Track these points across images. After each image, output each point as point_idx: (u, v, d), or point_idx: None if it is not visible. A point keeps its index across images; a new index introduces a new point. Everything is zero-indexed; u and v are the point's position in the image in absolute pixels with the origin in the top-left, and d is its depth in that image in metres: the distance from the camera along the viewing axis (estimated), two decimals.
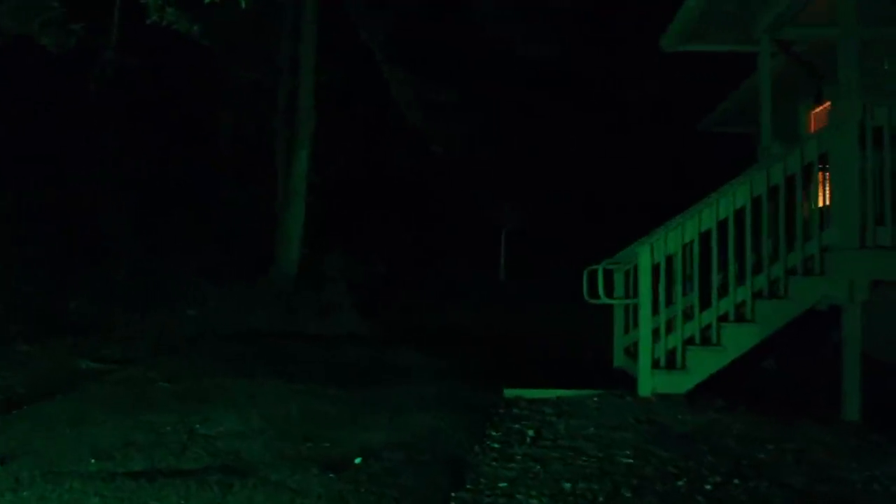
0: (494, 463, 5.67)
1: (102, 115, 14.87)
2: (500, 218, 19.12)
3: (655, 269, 7.57)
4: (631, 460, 5.77)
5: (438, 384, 8.17)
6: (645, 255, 7.51)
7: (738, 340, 7.44)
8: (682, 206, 9.18)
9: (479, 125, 16.87)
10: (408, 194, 17.96)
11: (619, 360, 9.03)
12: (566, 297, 15.94)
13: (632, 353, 8.84)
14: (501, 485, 5.24)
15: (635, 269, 8.66)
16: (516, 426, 6.63)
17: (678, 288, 7.60)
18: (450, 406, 7.20)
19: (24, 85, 13.70)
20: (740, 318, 7.52)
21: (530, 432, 6.43)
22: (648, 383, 7.44)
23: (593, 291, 8.67)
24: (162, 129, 16.01)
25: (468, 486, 5.20)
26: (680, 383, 7.43)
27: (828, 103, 11.25)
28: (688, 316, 7.59)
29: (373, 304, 13.18)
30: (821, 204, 7.99)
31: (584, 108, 19.29)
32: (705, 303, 7.57)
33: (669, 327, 7.67)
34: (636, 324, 8.85)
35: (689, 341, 7.54)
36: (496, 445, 6.11)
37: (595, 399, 7.41)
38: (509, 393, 7.68)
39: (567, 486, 5.23)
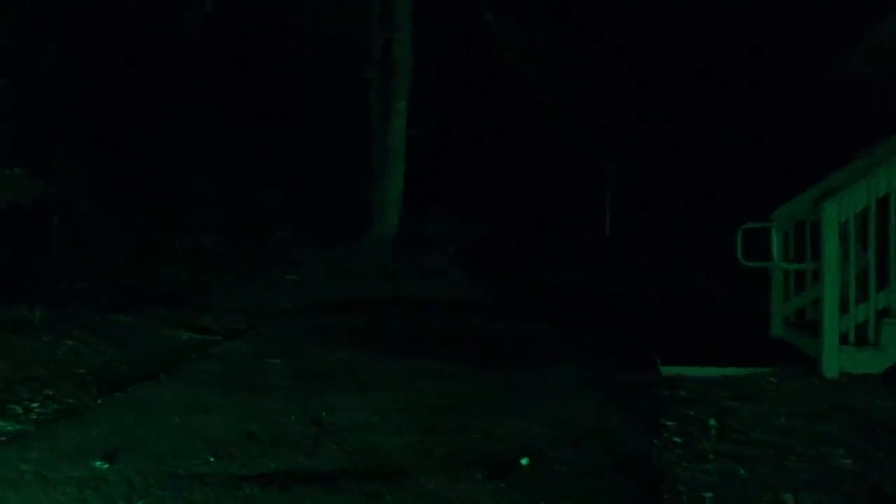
0: (686, 464, 4.68)
1: (188, 77, 14.16)
2: (605, 176, 17.99)
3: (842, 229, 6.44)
4: (849, 461, 4.73)
5: (579, 359, 7.23)
6: (831, 211, 6.37)
7: None
8: (817, 159, 8.03)
9: (586, 76, 15.71)
10: (510, 151, 16.91)
11: (777, 329, 7.95)
12: (677, 257, 14.86)
13: (794, 323, 7.79)
14: (706, 494, 4.26)
15: (798, 228, 7.58)
16: (691, 413, 5.63)
17: (871, 253, 6.46)
18: (602, 387, 6.26)
19: (107, 44, 13.06)
20: None
21: (711, 422, 5.42)
22: (835, 362, 6.35)
23: (747, 252, 7.64)
24: (249, 90, 15.25)
25: (665, 496, 4.23)
26: (874, 362, 6.32)
27: None
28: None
29: (478, 267, 12.24)
30: None
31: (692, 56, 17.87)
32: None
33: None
34: (798, 290, 7.82)
35: (883, 313, 6.41)
36: (677, 439, 5.12)
37: (772, 379, 6.36)
38: (667, 371, 6.68)
39: (788, 497, 4.22)
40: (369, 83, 14.68)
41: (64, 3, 11.81)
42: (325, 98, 16.58)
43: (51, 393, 6.08)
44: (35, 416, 5.54)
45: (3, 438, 5.06)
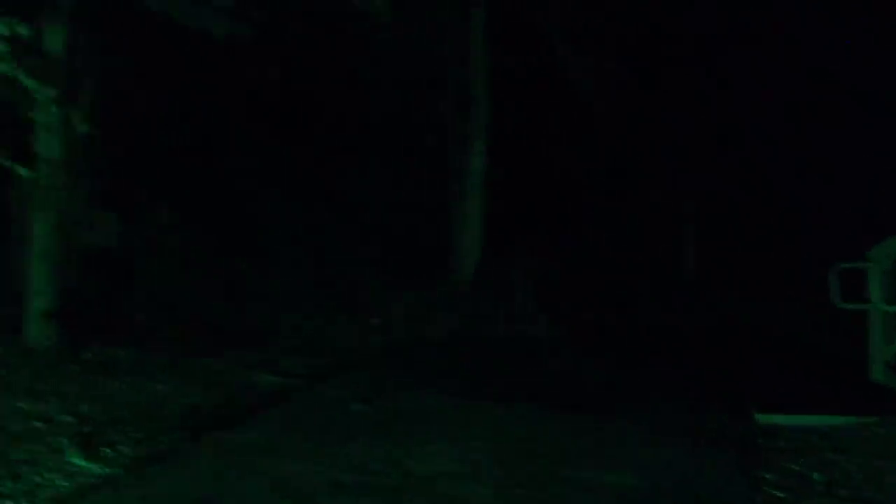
0: None
1: (261, 109, 14.34)
2: (684, 212, 17.65)
3: None
4: None
5: (669, 404, 7.00)
6: None
7: None
8: None
9: (664, 112, 15.47)
10: (587, 188, 16.72)
11: (878, 373, 7.55)
12: (764, 293, 14.43)
13: None
14: None
15: None
16: (793, 466, 5.38)
17: None
18: (695, 435, 6.03)
19: (175, 72, 13.29)
20: None
21: (816, 476, 5.16)
22: None
23: (843, 293, 7.31)
24: (326, 129, 15.40)
25: None
26: None
27: None
28: None
29: (561, 308, 12.06)
30: None
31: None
32: None
33: None
34: None
35: None
36: (780, 494, 4.88)
37: (877, 429, 6.06)
38: (763, 419, 6.42)
39: None
40: (446, 121, 14.69)
41: (149, 50, 12.11)
42: (400, 136, 16.67)
43: (140, 436, 6.11)
44: (125, 461, 5.57)
45: (95, 482, 5.09)
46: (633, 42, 15.21)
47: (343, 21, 14.16)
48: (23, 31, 7.25)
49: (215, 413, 6.87)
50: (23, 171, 8.02)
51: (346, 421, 6.44)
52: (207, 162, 13.29)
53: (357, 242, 14.13)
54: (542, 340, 10.67)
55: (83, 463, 5.49)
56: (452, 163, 14.13)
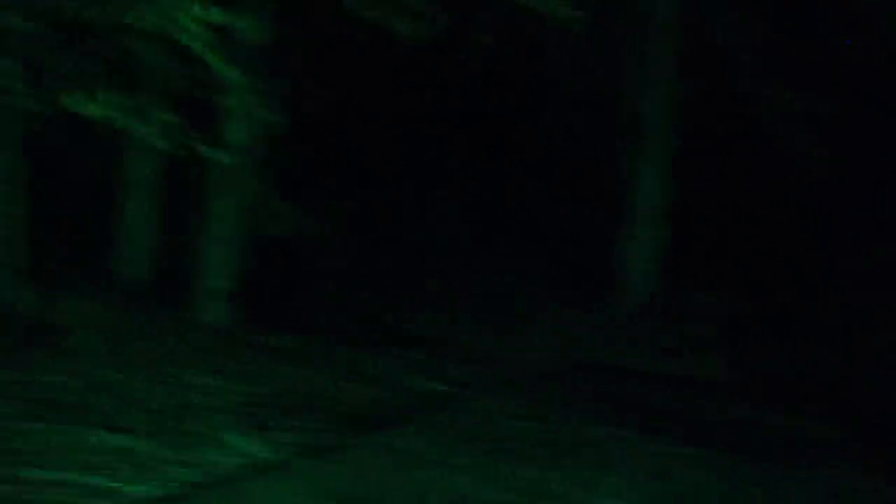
0: None
1: (444, 120, 14.37)
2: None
3: None
4: None
5: (856, 463, 6.42)
6: None
7: None
8: None
9: (860, 141, 14.46)
10: (770, 218, 15.80)
11: None
12: None
13: None
14: None
15: None
16: None
17: None
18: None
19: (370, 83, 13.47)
20: None
21: None
22: None
23: None
24: (499, 139, 15.28)
25: None
26: None
27: None
28: None
29: (744, 345, 11.31)
30: None
31: None
32: None
33: None
34: None
35: None
36: None
37: None
38: None
39: None
40: (621, 143, 14.28)
41: (341, 46, 12.31)
42: (575, 152, 16.37)
43: (305, 425, 6.09)
44: (292, 448, 5.54)
45: (263, 465, 5.08)
46: (835, 78, 14.32)
47: (525, 34, 14.03)
48: (235, 21, 7.43)
49: (383, 413, 6.79)
50: (218, 155, 8.19)
51: (514, 440, 6.21)
52: (386, 162, 13.43)
53: (524, 257, 13.95)
54: (719, 379, 10.07)
55: (251, 445, 5.50)
56: (623, 184, 13.69)
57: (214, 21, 7.48)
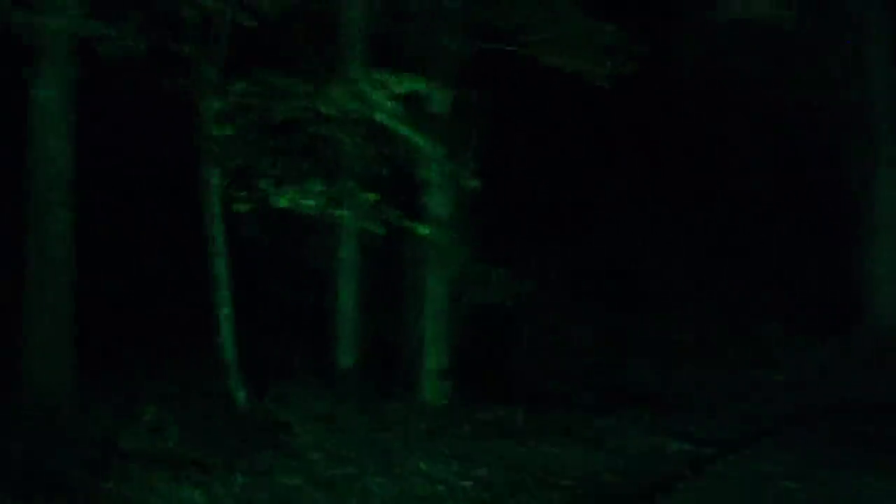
0: None
1: (646, 156, 13.63)
2: None
3: None
4: None
5: None
6: None
7: None
8: None
9: None
10: None
11: None
12: None
13: None
14: None
15: None
16: None
17: None
18: None
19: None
20: None
21: None
22: None
23: None
24: (710, 176, 14.22)
25: None
26: None
27: None
28: None
29: None
30: None
31: None
32: None
33: None
34: None
35: None
36: None
37: None
38: None
39: None
40: (844, 149, 12.97)
41: (527, 100, 12.01)
42: (798, 176, 15.07)
43: None
44: None
45: None
46: None
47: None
48: (420, 86, 7.30)
49: (618, 483, 6.23)
50: (420, 229, 8.04)
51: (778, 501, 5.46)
52: (590, 212, 12.90)
53: (748, 290, 12.89)
54: None
55: None
56: (858, 195, 12.40)
57: (405, 90, 7.40)
